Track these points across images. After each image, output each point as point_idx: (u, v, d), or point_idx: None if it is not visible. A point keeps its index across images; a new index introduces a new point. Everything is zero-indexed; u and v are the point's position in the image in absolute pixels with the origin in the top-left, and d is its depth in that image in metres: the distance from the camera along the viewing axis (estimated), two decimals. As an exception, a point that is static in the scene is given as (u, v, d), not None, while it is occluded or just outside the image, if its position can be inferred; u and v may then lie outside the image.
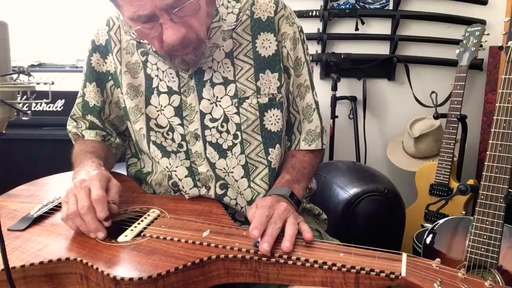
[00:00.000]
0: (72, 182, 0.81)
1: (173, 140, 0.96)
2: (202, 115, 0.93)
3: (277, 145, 0.96)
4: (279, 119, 0.96)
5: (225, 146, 0.94)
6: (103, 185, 0.79)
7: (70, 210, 0.75)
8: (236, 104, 0.93)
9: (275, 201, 0.80)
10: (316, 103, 1.03)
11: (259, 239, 0.69)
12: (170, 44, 0.81)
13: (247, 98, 0.93)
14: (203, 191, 0.95)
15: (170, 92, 0.94)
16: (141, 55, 0.96)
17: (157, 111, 0.96)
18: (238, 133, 0.94)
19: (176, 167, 0.96)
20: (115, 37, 0.98)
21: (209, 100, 0.93)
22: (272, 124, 0.95)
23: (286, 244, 0.68)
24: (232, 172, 0.95)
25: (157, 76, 0.95)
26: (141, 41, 0.95)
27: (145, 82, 0.96)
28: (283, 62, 0.97)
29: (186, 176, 0.95)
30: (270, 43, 0.95)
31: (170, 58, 0.86)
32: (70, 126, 1.07)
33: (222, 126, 0.93)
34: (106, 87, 1.03)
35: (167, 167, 0.97)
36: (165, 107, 0.95)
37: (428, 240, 1.30)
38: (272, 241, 0.69)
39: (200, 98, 0.93)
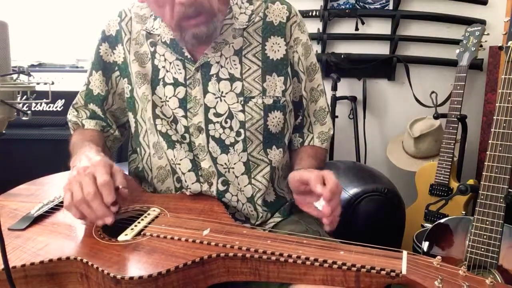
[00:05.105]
0: (74, 170, 0.79)
1: (176, 130, 0.96)
2: (207, 108, 0.94)
3: (274, 146, 0.98)
4: (280, 121, 0.97)
5: (227, 142, 0.95)
6: (108, 171, 0.77)
7: (76, 197, 0.73)
8: (242, 102, 0.94)
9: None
10: (329, 107, 1.07)
11: (323, 202, 0.75)
12: (182, 5, 0.80)
13: (253, 97, 0.94)
14: (205, 187, 0.95)
15: (175, 83, 0.95)
16: (150, 46, 0.97)
17: (162, 102, 0.96)
18: (242, 130, 0.94)
19: (180, 159, 0.96)
20: (126, 28, 1.00)
21: (214, 94, 0.94)
22: (274, 125, 0.97)
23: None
24: (233, 168, 0.95)
25: (164, 67, 0.96)
26: (151, 32, 0.96)
27: (152, 72, 0.97)
28: (293, 67, 0.99)
29: (189, 170, 0.96)
30: (280, 47, 0.97)
31: (181, 33, 0.86)
32: (71, 115, 1.07)
33: (226, 122, 0.94)
34: (112, 78, 1.03)
35: (172, 159, 0.97)
36: (170, 98, 0.95)
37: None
38: (335, 209, 0.77)
39: (205, 91, 0.94)
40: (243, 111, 0.94)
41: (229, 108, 0.94)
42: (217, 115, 0.94)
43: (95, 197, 0.73)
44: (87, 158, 0.81)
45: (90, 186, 0.73)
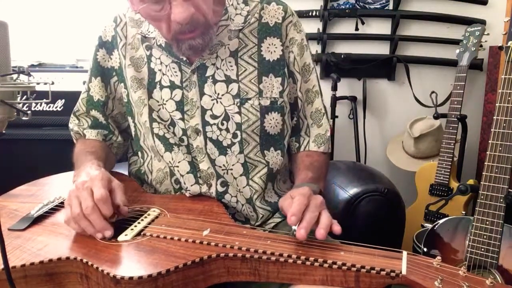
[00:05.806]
0: (74, 184, 0.80)
1: (174, 133, 0.96)
2: (203, 111, 0.94)
3: (272, 148, 0.98)
4: (278, 122, 0.97)
5: (225, 144, 0.95)
6: (105, 185, 0.78)
7: (74, 212, 0.74)
8: (238, 104, 0.93)
9: (311, 192, 0.79)
10: (325, 108, 1.05)
11: (295, 227, 0.70)
12: (179, 24, 0.80)
13: (249, 99, 0.94)
14: (204, 188, 0.95)
15: (172, 86, 0.95)
16: (145, 49, 0.97)
17: (159, 105, 0.96)
18: (238, 132, 0.94)
19: (179, 162, 0.96)
20: (121, 33, 1.00)
21: (210, 96, 0.94)
22: (271, 127, 0.96)
23: (321, 231, 0.69)
24: (232, 169, 0.95)
25: (160, 70, 0.96)
26: (146, 35, 0.96)
27: (148, 76, 0.97)
28: (288, 67, 0.98)
29: (188, 172, 0.96)
30: (276, 47, 0.96)
31: (177, 44, 0.86)
32: (72, 124, 1.07)
33: (223, 124, 0.94)
34: (110, 83, 1.04)
35: (170, 161, 0.97)
36: (167, 101, 0.95)
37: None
38: (309, 228, 0.70)
39: (202, 93, 0.94)
40: (239, 112, 0.94)
41: (225, 110, 0.94)
42: (214, 117, 0.94)
43: (93, 210, 0.74)
44: (85, 173, 0.83)
45: (87, 200, 0.75)
